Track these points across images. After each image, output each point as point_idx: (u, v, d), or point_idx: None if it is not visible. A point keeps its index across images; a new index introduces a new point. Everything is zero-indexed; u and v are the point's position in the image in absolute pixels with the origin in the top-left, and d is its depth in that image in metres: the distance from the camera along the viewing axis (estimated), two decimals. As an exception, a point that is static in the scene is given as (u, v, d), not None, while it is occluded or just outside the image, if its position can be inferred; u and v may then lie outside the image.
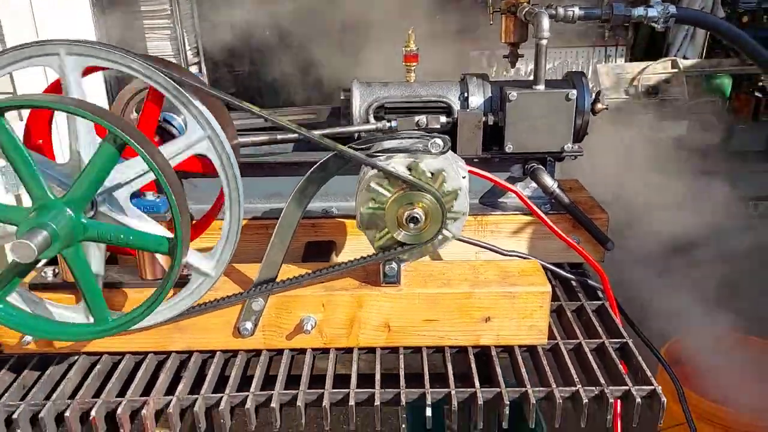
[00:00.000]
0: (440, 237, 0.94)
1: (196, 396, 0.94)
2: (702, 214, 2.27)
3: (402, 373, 0.98)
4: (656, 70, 3.35)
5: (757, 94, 3.32)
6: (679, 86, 3.31)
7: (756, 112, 3.32)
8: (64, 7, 2.16)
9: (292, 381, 0.98)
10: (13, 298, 0.92)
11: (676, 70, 3.33)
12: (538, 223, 1.20)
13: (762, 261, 2.30)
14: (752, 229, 2.58)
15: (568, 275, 1.20)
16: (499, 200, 1.27)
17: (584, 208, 1.25)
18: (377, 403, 0.92)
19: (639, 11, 1.25)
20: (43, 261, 1.03)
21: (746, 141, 3.20)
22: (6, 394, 0.97)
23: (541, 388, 0.94)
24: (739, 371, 1.61)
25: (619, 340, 1.05)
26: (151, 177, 0.87)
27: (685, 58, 3.55)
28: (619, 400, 0.93)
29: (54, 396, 0.95)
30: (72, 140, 0.85)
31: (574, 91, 1.16)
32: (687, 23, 2.36)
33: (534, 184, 1.24)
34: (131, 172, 0.87)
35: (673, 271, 2.04)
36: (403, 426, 1.90)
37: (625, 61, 3.61)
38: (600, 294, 1.18)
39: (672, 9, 1.24)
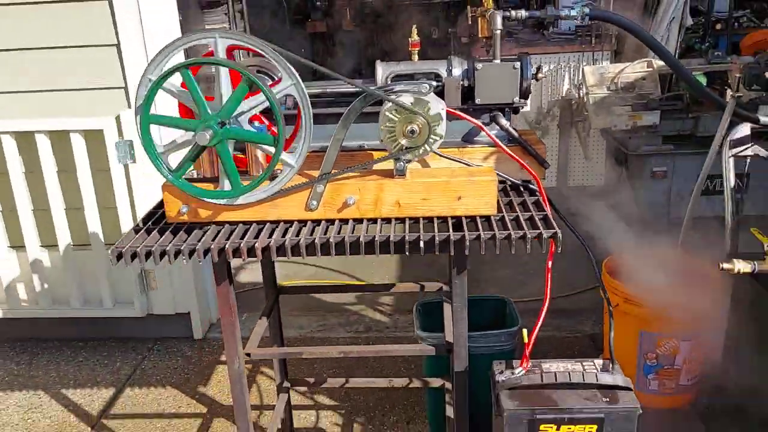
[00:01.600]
0: (426, 147, 1.59)
1: (285, 239, 1.60)
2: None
3: (407, 231, 1.62)
4: (634, 70, 3.96)
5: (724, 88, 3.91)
6: (653, 83, 3.92)
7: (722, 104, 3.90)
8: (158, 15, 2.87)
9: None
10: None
11: (651, 69, 3.94)
12: (501, 153, 1.84)
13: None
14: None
15: (518, 182, 1.83)
16: (475, 138, 1.90)
17: (530, 143, 1.88)
18: (392, 238, 1.56)
19: (565, 12, 1.89)
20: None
21: (710, 127, 3.79)
22: (173, 241, 1.64)
23: (489, 232, 1.57)
24: (662, 275, 2.22)
25: (542, 212, 1.67)
26: (260, 108, 1.54)
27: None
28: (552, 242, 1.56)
29: (201, 241, 1.62)
30: (217, 85, 1.52)
31: (518, 64, 1.80)
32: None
33: (497, 127, 1.88)
34: (250, 104, 1.53)
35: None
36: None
37: (609, 63, 4.23)
38: (537, 194, 1.81)
39: (587, 10, 1.87)
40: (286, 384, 2.30)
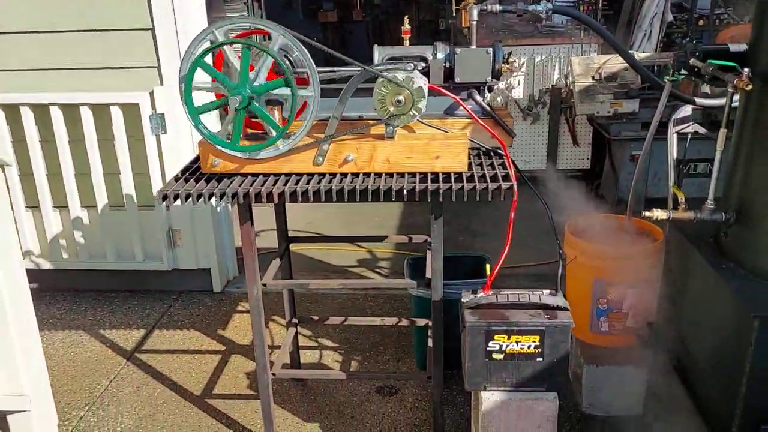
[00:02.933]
0: (411, 113, 1.98)
1: (296, 187, 1.99)
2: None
3: (394, 182, 2.01)
4: (617, 61, 4.32)
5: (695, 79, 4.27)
6: (634, 73, 4.28)
7: (695, 93, 4.26)
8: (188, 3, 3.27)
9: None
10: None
11: (632, 61, 4.30)
12: (476, 124, 2.22)
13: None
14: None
15: (489, 148, 2.22)
16: (455, 112, 2.28)
17: (501, 116, 2.27)
18: (382, 187, 1.95)
19: (533, 6, 2.27)
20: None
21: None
22: (207, 187, 2.04)
23: (460, 183, 1.96)
24: (614, 231, 2.59)
25: (506, 171, 2.06)
26: (267, 66, 1.91)
27: (643, 52, 4.53)
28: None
29: (229, 187, 2.02)
30: (231, 62, 1.91)
31: (491, 49, 2.18)
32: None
33: (473, 102, 2.26)
34: (262, 69, 1.92)
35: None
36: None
37: (596, 55, 4.59)
38: (503, 158, 2.19)
39: (550, 5, 2.25)
40: (295, 320, 2.71)
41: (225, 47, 1.89)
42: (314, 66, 1.91)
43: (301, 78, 1.97)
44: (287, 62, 2.00)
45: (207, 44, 1.91)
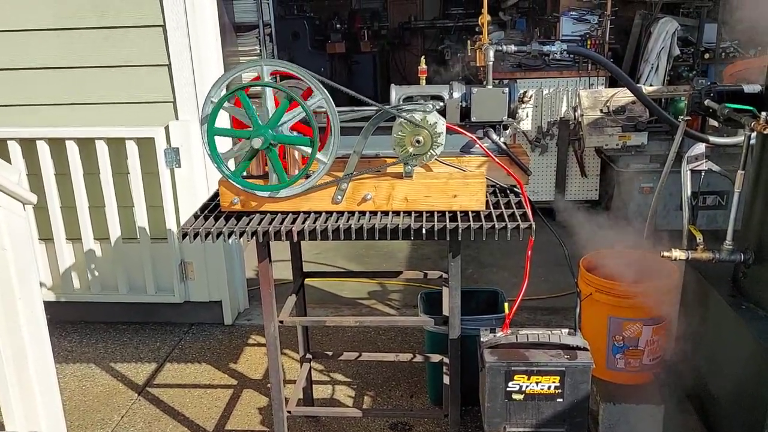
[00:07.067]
0: (430, 153, 2.00)
1: (315, 225, 2.01)
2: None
3: (413, 221, 2.02)
4: (625, 94, 4.36)
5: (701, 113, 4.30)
6: (641, 106, 4.32)
7: (702, 128, 4.29)
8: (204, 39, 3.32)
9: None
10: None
11: (640, 94, 4.34)
12: (492, 162, 2.24)
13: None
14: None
15: (505, 186, 2.24)
16: (471, 150, 2.30)
17: (517, 154, 2.29)
18: (401, 226, 1.96)
19: (547, 47, 2.30)
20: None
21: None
22: (227, 225, 2.05)
23: (478, 222, 1.97)
24: (629, 267, 2.60)
25: (523, 210, 2.07)
26: (298, 118, 1.95)
27: (651, 85, 4.57)
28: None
29: (249, 225, 2.03)
30: (263, 101, 1.94)
31: (507, 89, 2.20)
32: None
33: (489, 140, 2.28)
34: (291, 115, 1.95)
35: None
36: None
37: (604, 88, 4.63)
38: (520, 196, 2.20)
39: (564, 46, 2.28)
40: (308, 356, 2.70)
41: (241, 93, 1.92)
42: (335, 111, 1.94)
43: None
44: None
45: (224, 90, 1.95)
